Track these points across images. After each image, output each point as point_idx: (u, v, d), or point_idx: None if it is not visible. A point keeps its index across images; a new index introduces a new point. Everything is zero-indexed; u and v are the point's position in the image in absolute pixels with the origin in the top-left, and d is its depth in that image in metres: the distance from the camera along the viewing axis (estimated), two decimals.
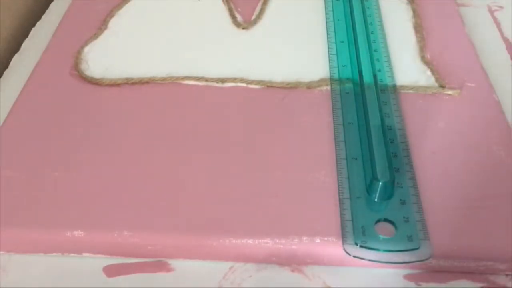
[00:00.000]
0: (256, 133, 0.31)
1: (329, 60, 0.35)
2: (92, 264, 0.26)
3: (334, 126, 0.31)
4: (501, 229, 0.26)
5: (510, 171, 0.28)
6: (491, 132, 0.30)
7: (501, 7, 0.41)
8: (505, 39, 0.39)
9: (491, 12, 0.41)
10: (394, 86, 0.33)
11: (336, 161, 0.29)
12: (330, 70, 0.34)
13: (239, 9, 0.40)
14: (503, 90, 0.34)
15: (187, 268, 0.26)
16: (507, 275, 0.26)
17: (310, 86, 0.33)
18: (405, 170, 0.28)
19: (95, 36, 0.37)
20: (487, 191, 0.28)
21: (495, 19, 0.40)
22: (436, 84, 0.33)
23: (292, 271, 0.26)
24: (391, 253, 0.25)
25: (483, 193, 0.27)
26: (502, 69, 0.36)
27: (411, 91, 0.33)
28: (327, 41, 0.37)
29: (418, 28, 0.38)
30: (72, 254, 0.27)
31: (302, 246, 0.25)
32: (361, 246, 0.25)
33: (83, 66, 0.35)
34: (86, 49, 0.36)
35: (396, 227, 0.26)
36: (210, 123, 0.31)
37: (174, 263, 0.26)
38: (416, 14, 0.39)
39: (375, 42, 0.36)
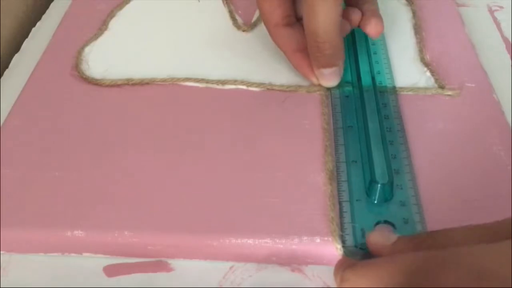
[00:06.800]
0: (256, 135, 0.31)
1: None
2: (92, 264, 0.26)
3: (334, 129, 0.31)
4: None
5: (510, 171, 0.28)
6: (491, 132, 0.30)
7: (501, 7, 0.41)
8: (505, 39, 0.39)
9: (491, 12, 0.41)
10: (394, 88, 0.33)
11: (336, 164, 0.29)
12: None
13: (240, 11, 0.40)
14: (503, 90, 0.34)
15: (187, 268, 0.26)
16: None
17: (310, 90, 0.33)
18: (405, 171, 0.28)
19: (95, 36, 0.37)
20: (487, 191, 0.27)
21: (495, 19, 0.40)
22: (436, 85, 0.33)
23: (292, 271, 0.26)
24: None
25: (483, 193, 0.27)
26: (502, 69, 0.36)
27: (410, 93, 0.33)
28: None
29: (418, 29, 0.38)
30: (72, 254, 0.27)
31: (302, 246, 0.25)
32: (360, 249, 0.25)
33: (84, 67, 0.35)
34: (87, 49, 0.36)
35: (396, 229, 0.25)
36: (210, 124, 0.31)
37: (174, 263, 0.26)
38: (415, 15, 0.39)
39: (374, 44, 0.36)
